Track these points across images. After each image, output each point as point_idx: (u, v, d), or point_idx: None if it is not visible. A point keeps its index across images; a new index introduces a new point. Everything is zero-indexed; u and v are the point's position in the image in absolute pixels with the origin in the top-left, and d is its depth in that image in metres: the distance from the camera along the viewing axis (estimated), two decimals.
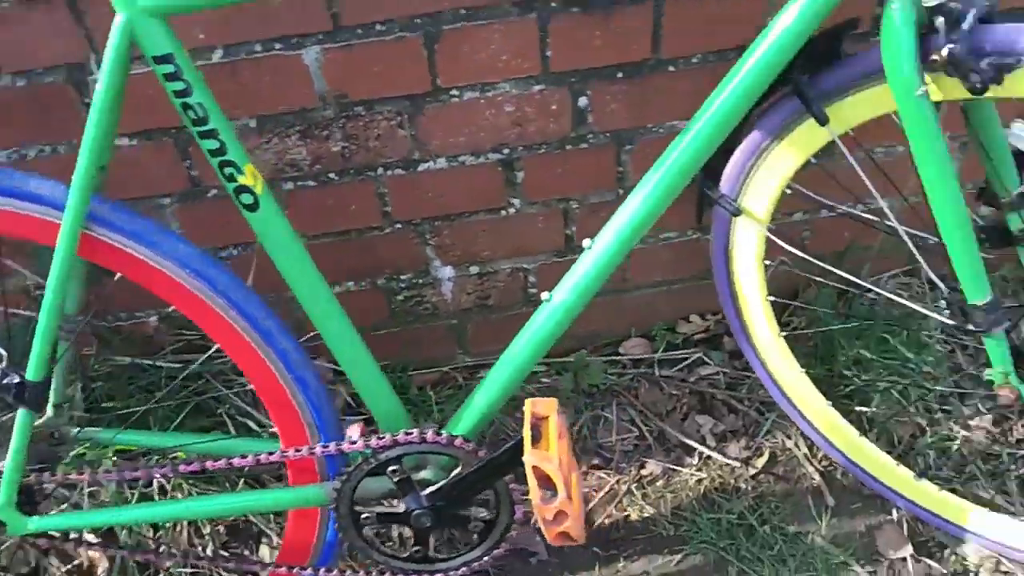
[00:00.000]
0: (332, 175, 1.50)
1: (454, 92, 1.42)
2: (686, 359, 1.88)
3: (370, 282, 1.68)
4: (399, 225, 1.59)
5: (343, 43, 1.34)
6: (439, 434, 1.29)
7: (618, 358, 1.89)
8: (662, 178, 1.21)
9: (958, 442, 1.73)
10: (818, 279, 1.77)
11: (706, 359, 1.87)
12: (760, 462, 1.75)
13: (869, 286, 1.49)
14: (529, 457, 1.16)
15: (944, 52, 1.06)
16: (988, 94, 1.09)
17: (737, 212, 1.41)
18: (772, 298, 1.51)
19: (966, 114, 1.24)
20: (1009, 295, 1.85)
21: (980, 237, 1.35)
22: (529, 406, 1.22)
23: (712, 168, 1.38)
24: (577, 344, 1.89)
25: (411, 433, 1.29)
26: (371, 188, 1.52)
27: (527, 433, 1.19)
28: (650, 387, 1.86)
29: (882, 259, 1.78)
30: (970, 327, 1.28)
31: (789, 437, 1.78)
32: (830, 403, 1.63)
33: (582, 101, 1.47)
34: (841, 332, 1.79)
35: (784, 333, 1.58)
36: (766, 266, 1.47)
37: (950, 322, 1.32)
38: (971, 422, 1.76)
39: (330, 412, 1.34)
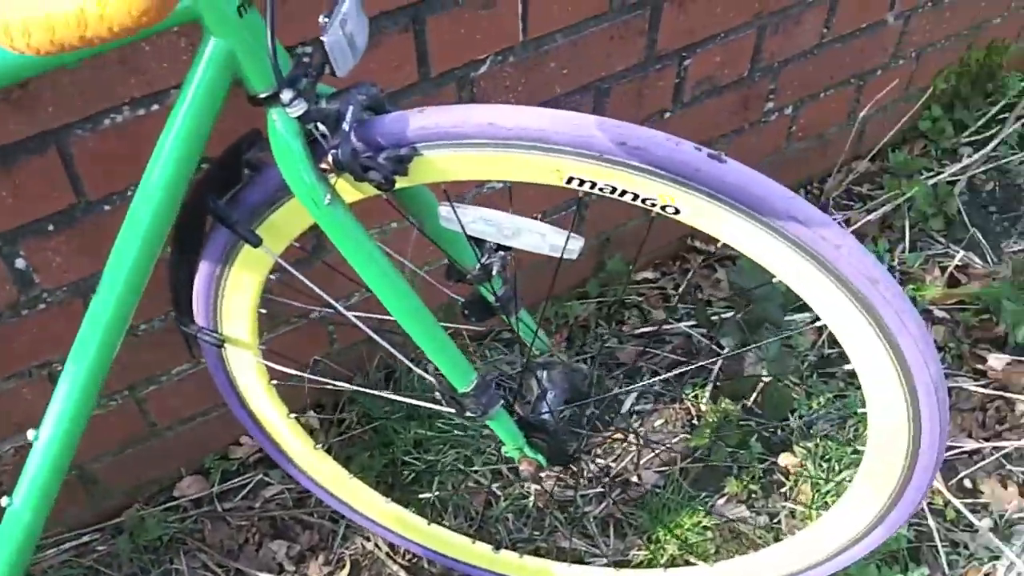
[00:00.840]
0: None
1: None
2: (247, 484, 1.74)
3: None
4: None
5: None
6: None
7: (175, 502, 1.72)
8: (87, 348, 1.07)
9: (532, 498, 1.70)
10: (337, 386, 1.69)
11: (267, 479, 1.74)
12: (343, 574, 1.64)
13: (368, 390, 1.41)
14: None
15: (329, 159, 0.98)
16: (401, 184, 1.03)
17: (221, 343, 1.28)
18: (295, 414, 1.41)
19: (401, 203, 1.17)
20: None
21: (465, 313, 1.31)
22: None
23: (181, 302, 1.25)
24: (126, 500, 1.70)
25: None
26: None
27: None
28: (216, 525, 1.70)
29: None
30: (469, 414, 1.22)
31: (368, 539, 1.68)
32: (389, 499, 1.55)
33: (19, 263, 1.29)
34: (395, 419, 1.71)
35: (320, 445, 1.48)
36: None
37: (452, 411, 1.25)
38: (540, 474, 1.73)
39: None
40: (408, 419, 1.71)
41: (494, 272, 1.23)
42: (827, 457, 1.70)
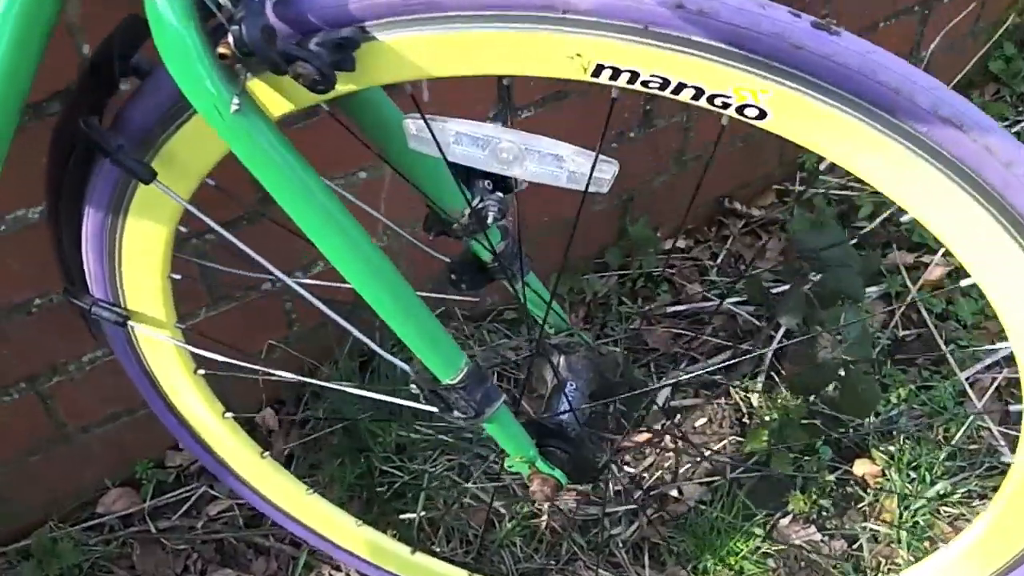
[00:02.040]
0: None
1: None
2: (187, 498, 1.40)
3: None
4: None
5: None
6: None
7: (100, 520, 1.38)
8: None
9: (545, 517, 1.36)
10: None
11: (213, 492, 1.40)
12: None
13: (325, 383, 1.05)
14: None
15: (230, 40, 0.64)
16: (346, 87, 0.70)
17: (124, 319, 0.95)
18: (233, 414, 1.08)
19: (352, 120, 0.83)
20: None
21: (452, 278, 0.97)
22: None
23: (70, 266, 0.93)
24: (38, 517, 1.36)
25: None
26: None
27: None
28: (148, 548, 1.36)
29: None
30: (458, 415, 0.88)
31: (338, 568, 1.34)
32: (360, 521, 1.22)
33: None
34: (370, 418, 1.37)
35: (268, 453, 1.15)
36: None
37: (435, 410, 0.91)
38: (558, 495, 1.39)
39: None
40: (388, 418, 1.37)
41: (489, 220, 0.89)
42: (914, 464, 1.36)
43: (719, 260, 1.65)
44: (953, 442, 1.37)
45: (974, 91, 1.94)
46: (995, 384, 1.44)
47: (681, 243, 1.67)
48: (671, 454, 1.40)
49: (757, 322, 1.53)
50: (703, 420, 1.45)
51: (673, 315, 1.57)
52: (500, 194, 0.89)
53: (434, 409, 0.89)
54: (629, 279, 1.60)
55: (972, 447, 1.39)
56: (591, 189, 0.76)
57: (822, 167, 1.74)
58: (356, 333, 0.88)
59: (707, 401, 1.46)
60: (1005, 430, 1.39)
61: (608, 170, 0.75)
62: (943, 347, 1.48)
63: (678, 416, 1.45)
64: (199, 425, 1.10)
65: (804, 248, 1.22)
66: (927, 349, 1.49)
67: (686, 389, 1.49)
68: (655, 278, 1.60)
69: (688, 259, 1.65)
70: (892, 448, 1.37)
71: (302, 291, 0.88)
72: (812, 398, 1.41)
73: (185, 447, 1.12)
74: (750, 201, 1.71)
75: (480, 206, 0.88)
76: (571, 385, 0.98)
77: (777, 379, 1.47)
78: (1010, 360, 1.41)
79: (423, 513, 1.32)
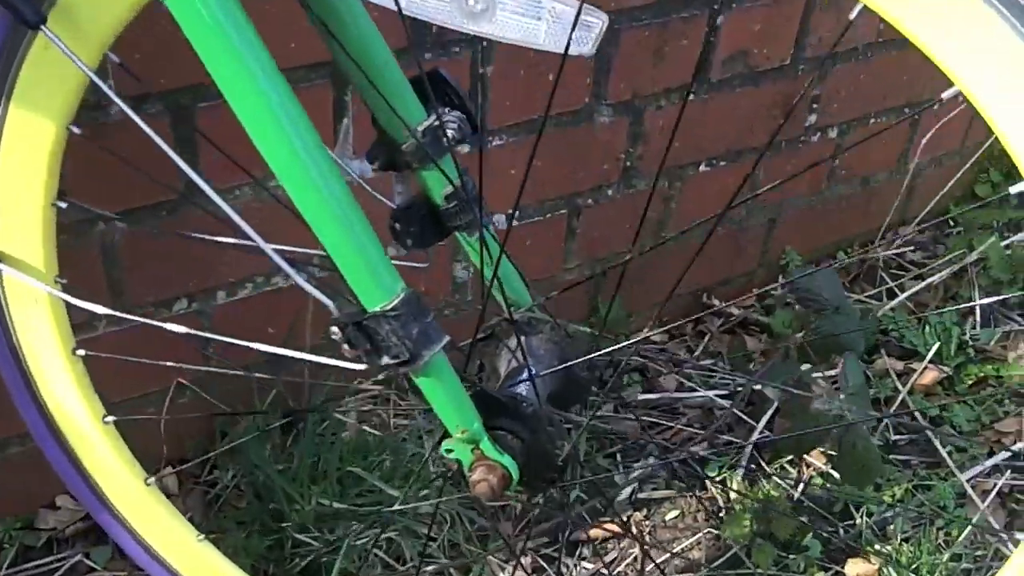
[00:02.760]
0: None
1: None
2: (56, 569, 1.16)
3: None
4: None
5: None
6: None
7: None
8: None
9: None
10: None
11: (89, 562, 1.17)
12: None
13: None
14: None
15: None
16: None
17: None
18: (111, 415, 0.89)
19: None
20: None
21: (396, 227, 0.81)
22: None
23: None
24: None
25: None
26: None
27: None
28: None
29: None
30: (388, 361, 0.69)
31: None
32: None
33: None
34: (287, 478, 1.17)
35: (153, 479, 0.94)
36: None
37: (359, 366, 0.72)
38: (502, 573, 1.19)
39: None
40: (311, 483, 1.17)
41: (449, 135, 0.74)
42: (913, 567, 1.17)
43: (696, 354, 1.49)
44: (955, 545, 1.19)
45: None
46: (996, 488, 1.29)
47: (656, 337, 1.52)
48: (636, 549, 1.20)
49: (738, 412, 1.36)
50: (675, 513, 1.26)
51: (644, 404, 1.40)
52: (460, 113, 0.75)
53: (361, 366, 0.71)
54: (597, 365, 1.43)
55: (978, 553, 1.21)
56: (573, 50, 0.62)
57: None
58: (286, 267, 0.70)
59: (680, 494, 1.27)
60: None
61: (595, 23, 0.61)
62: (940, 449, 1.32)
63: (646, 511, 1.26)
64: (70, 428, 0.89)
65: (800, 289, 1.08)
66: (922, 453, 1.34)
67: (656, 480, 1.30)
68: (626, 367, 1.44)
69: (662, 351, 1.50)
70: (888, 548, 1.19)
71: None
72: (798, 494, 1.23)
73: (50, 459, 0.91)
74: (730, 299, 1.58)
75: (444, 119, 0.74)
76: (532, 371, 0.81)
77: (759, 471, 1.29)
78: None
79: None
